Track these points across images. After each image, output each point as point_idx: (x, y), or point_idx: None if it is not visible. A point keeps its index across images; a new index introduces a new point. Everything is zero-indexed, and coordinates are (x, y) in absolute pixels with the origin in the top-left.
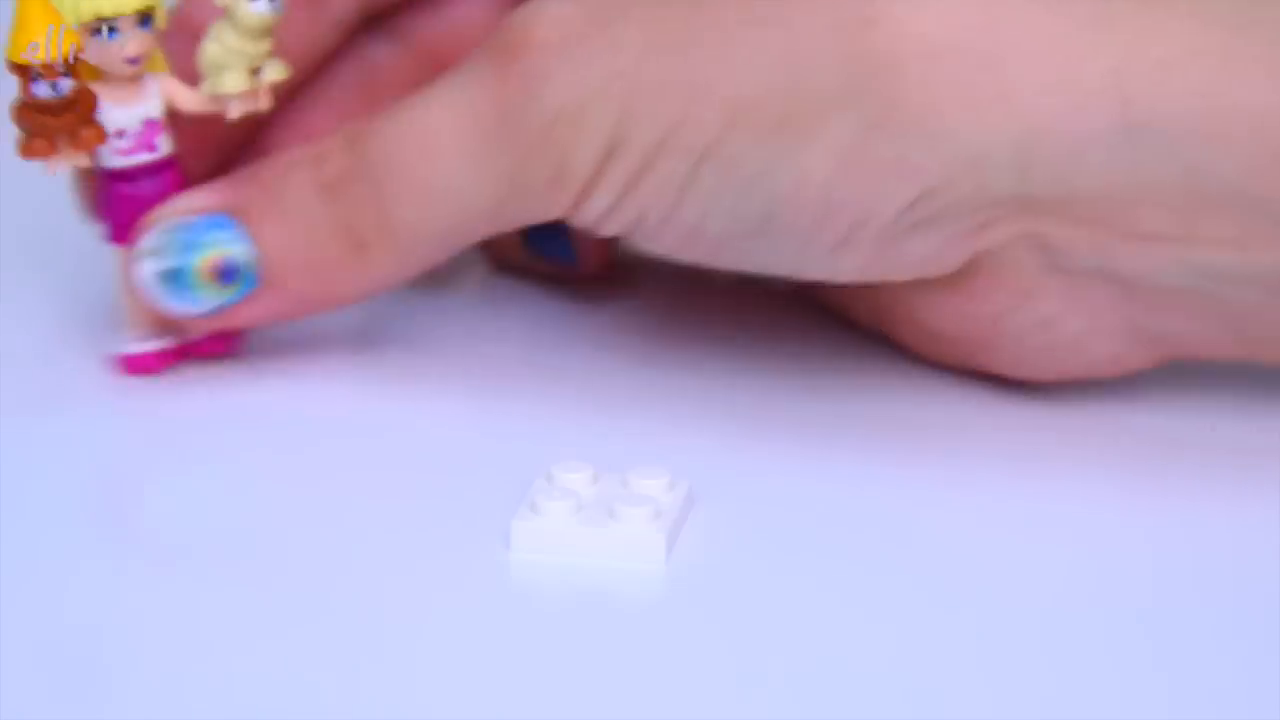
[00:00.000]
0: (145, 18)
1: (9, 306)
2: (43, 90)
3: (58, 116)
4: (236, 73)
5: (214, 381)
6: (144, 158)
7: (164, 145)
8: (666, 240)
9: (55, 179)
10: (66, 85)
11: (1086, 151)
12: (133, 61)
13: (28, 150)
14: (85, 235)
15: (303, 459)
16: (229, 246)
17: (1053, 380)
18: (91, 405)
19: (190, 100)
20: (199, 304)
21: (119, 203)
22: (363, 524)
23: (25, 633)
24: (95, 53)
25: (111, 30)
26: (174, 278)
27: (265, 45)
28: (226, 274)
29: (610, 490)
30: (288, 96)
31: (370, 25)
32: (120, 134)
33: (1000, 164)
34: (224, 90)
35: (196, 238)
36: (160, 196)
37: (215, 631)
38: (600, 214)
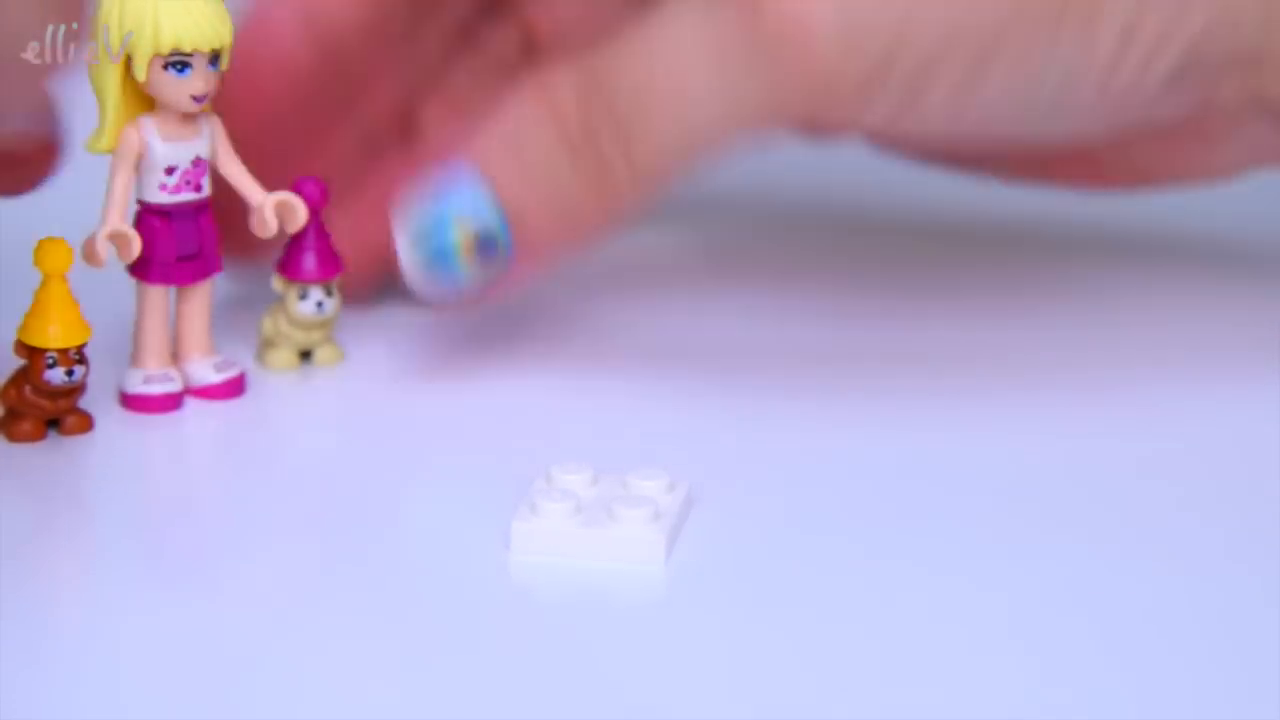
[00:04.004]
0: (215, 56)
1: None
2: (58, 377)
3: (55, 402)
4: (283, 353)
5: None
6: (188, 197)
7: (207, 186)
8: (940, 129)
9: (82, 208)
10: (80, 372)
11: None
12: (198, 99)
13: (16, 434)
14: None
15: (303, 460)
16: (483, 219)
17: (1224, 182)
18: (101, 433)
19: (229, 163)
20: (464, 281)
21: (154, 240)
22: (363, 525)
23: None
24: (163, 87)
25: (184, 66)
26: (439, 260)
27: (317, 334)
28: (485, 248)
29: (610, 491)
30: (412, 87)
31: (485, 14)
32: (170, 170)
33: (1250, 19)
34: (269, 366)
35: (449, 214)
36: (195, 238)
37: (216, 631)
38: (877, 115)
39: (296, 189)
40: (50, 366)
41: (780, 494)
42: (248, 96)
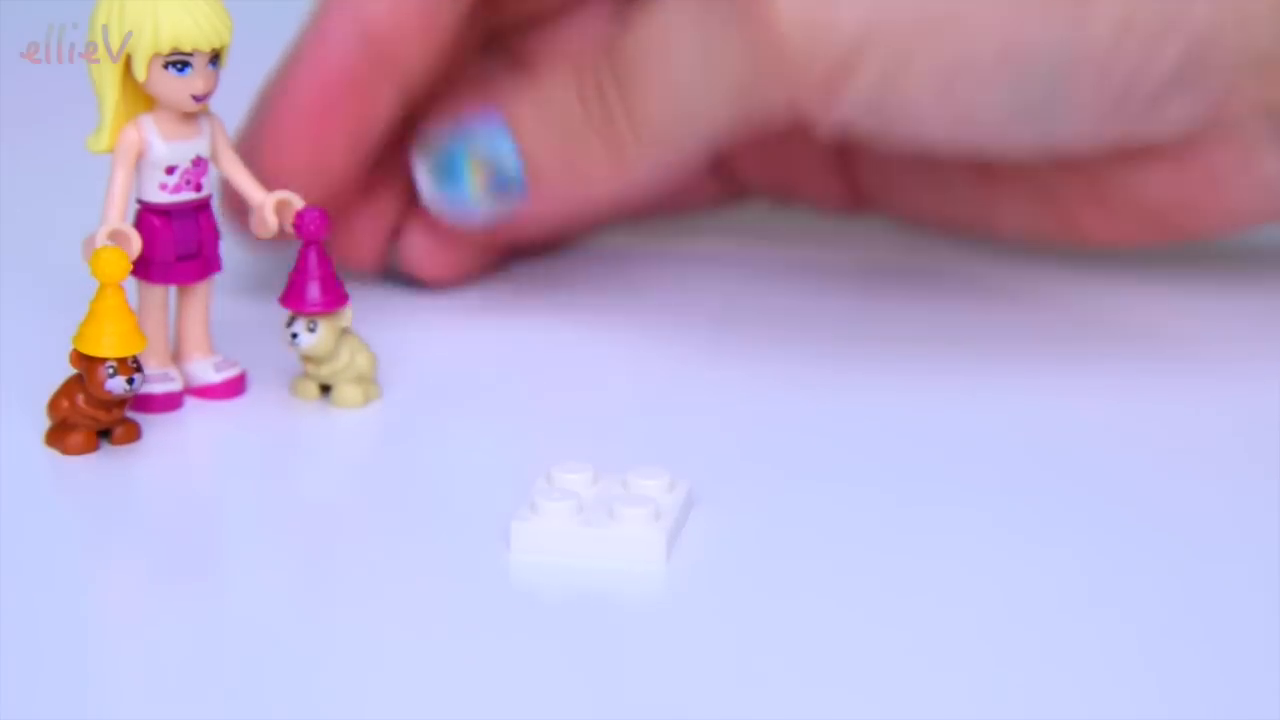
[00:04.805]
0: (215, 56)
1: (23, 337)
2: (120, 386)
3: (109, 412)
4: (305, 382)
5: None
6: (189, 196)
7: (207, 185)
8: (931, 129)
9: (79, 210)
10: (139, 380)
11: None
12: (199, 99)
13: (69, 447)
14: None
15: (303, 460)
16: (498, 153)
17: (1238, 229)
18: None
19: (228, 162)
20: (473, 207)
21: (154, 239)
22: (364, 524)
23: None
24: (163, 87)
25: (184, 66)
26: (449, 171)
27: (325, 370)
28: (498, 181)
29: (610, 491)
30: (418, 107)
31: (488, 46)
32: (170, 170)
33: (1262, 18)
34: (295, 395)
35: (470, 137)
36: (195, 237)
37: (216, 631)
38: (858, 106)
39: (299, 220)
40: (111, 376)
41: (780, 494)
42: (306, 101)
